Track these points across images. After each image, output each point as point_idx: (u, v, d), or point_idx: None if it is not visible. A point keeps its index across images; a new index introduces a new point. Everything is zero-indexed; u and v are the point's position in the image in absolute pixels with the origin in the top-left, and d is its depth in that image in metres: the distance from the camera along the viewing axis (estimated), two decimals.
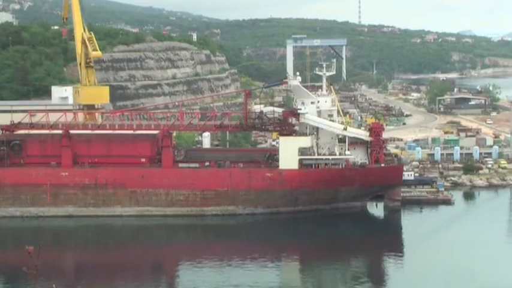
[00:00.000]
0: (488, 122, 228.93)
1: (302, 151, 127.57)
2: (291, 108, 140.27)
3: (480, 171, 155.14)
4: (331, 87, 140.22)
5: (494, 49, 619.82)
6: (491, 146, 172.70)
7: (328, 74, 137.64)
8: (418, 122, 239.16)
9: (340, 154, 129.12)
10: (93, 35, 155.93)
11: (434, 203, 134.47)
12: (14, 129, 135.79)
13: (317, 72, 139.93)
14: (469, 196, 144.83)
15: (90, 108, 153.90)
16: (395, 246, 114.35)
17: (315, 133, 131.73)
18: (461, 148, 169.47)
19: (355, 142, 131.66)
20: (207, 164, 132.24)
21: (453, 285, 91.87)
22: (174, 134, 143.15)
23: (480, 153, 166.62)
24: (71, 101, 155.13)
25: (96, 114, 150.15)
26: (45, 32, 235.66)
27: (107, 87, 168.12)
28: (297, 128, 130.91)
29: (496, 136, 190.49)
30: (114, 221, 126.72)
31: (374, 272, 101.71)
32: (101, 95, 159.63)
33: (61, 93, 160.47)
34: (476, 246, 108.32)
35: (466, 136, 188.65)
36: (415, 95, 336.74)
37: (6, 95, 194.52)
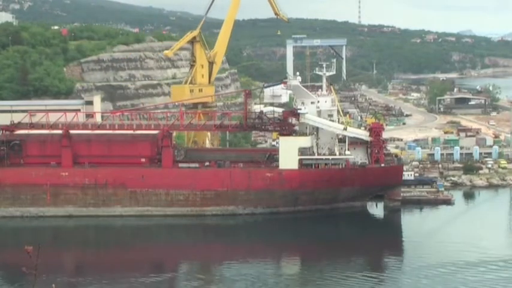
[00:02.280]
0: (491, 123, 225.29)
1: (302, 151, 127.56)
2: (291, 108, 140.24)
3: (480, 171, 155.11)
4: (331, 87, 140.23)
5: (494, 49, 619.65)
6: (491, 146, 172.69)
7: (328, 74, 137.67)
8: (418, 122, 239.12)
9: (340, 154, 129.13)
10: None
11: (434, 203, 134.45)
12: (14, 129, 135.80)
13: (317, 72, 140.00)
14: (469, 196, 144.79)
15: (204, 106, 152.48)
16: (395, 246, 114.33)
17: (315, 133, 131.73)
18: (461, 148, 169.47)
19: (355, 142, 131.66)
20: (207, 164, 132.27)
21: (453, 285, 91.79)
22: (174, 134, 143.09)
23: (480, 153, 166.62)
24: (284, 99, 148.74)
25: (97, 114, 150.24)
26: (45, 32, 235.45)
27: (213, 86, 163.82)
28: (297, 128, 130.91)
29: (496, 136, 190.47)
30: (114, 221, 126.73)
31: (374, 272, 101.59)
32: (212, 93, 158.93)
33: (274, 91, 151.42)
34: (476, 246, 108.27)
35: (466, 136, 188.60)
36: (415, 95, 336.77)
37: (6, 95, 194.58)
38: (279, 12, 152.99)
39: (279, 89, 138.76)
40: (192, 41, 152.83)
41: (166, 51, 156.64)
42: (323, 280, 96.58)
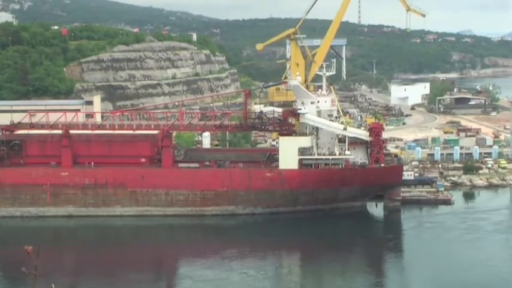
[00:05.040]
0: (507, 127, 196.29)
1: (302, 151, 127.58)
2: (291, 107, 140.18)
3: (480, 171, 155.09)
4: (331, 87, 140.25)
5: (494, 49, 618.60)
6: (491, 146, 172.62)
7: (328, 74, 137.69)
8: (418, 122, 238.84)
9: (340, 154, 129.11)
10: None
11: (434, 203, 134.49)
12: (14, 129, 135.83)
13: (317, 72, 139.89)
14: (469, 196, 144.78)
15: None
16: (395, 246, 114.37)
17: (315, 133, 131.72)
18: (461, 148, 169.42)
19: (355, 142, 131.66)
20: (207, 164, 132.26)
21: (452, 285, 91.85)
22: (174, 134, 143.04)
23: (480, 153, 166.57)
24: (411, 101, 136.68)
25: (97, 114, 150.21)
26: (45, 32, 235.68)
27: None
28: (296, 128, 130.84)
29: (496, 136, 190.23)
30: (114, 221, 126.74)
31: (374, 272, 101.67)
32: None
33: (400, 93, 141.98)
34: (476, 246, 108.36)
35: (466, 136, 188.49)
36: None
37: (6, 95, 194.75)
38: (410, 7, 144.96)
39: (401, 90, 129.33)
40: (288, 39, 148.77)
41: (259, 44, 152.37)
42: (323, 280, 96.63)
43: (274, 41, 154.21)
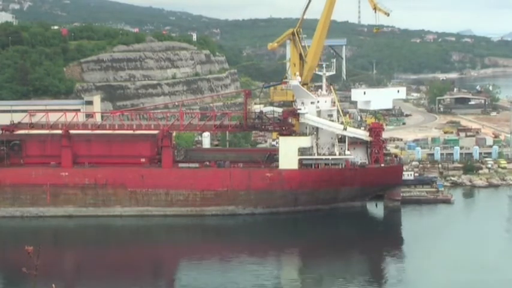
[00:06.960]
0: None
1: (302, 151, 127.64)
2: (291, 108, 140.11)
3: (480, 171, 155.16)
4: (331, 87, 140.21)
5: (494, 49, 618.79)
6: (491, 146, 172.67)
7: (328, 74, 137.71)
8: (418, 122, 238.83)
9: (340, 154, 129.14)
10: None
11: (434, 202, 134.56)
12: (14, 129, 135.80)
13: (317, 72, 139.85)
14: (468, 196, 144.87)
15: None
16: (395, 246, 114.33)
17: (315, 133, 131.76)
18: (461, 148, 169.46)
19: (355, 142, 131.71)
20: (207, 164, 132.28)
21: (452, 284, 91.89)
22: (174, 134, 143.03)
23: (480, 153, 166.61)
24: (376, 106, 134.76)
25: (96, 114, 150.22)
26: (45, 32, 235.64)
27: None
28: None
29: (496, 136, 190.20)
30: (114, 221, 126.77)
31: (374, 271, 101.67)
32: None
33: (359, 96, 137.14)
34: (475, 245, 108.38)
35: (466, 136, 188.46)
36: (415, 95, 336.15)
37: (6, 95, 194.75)
38: (376, 6, 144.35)
39: (360, 93, 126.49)
40: (288, 39, 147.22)
41: (270, 44, 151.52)
42: (323, 280, 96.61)
43: (283, 41, 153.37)
